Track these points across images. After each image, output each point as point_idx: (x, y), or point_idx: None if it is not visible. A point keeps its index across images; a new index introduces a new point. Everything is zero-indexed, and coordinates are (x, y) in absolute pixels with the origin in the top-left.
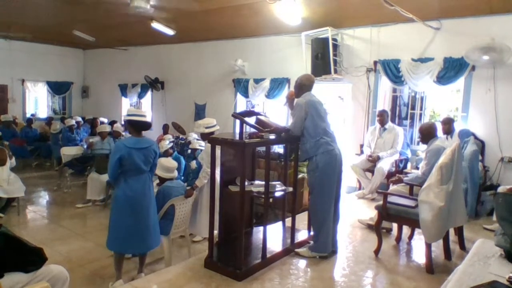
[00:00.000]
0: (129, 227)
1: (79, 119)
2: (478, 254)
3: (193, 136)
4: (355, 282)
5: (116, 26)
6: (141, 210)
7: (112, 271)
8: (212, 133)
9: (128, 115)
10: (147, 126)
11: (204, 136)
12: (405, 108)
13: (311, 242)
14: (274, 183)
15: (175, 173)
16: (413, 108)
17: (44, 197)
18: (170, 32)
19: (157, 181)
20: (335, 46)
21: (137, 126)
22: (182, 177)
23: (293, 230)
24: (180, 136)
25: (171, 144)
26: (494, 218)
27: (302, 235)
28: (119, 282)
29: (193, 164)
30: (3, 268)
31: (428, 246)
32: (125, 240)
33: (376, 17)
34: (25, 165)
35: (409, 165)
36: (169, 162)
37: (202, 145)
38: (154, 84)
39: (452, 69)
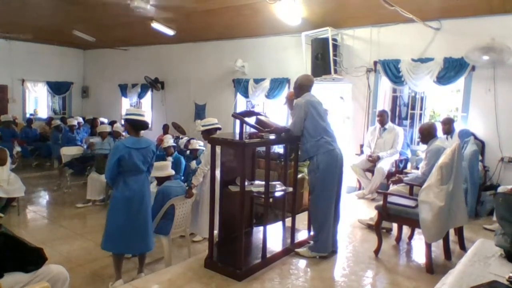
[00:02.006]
0: (127, 228)
1: (80, 119)
2: (478, 254)
3: (184, 139)
4: (355, 282)
5: (116, 26)
6: (140, 211)
7: (112, 271)
8: (211, 131)
9: (127, 114)
10: (145, 125)
11: (204, 135)
12: (405, 108)
13: (311, 242)
14: (274, 183)
15: (171, 171)
16: (413, 108)
17: (44, 197)
18: (170, 32)
19: (155, 181)
20: (335, 46)
21: (135, 126)
22: (182, 177)
23: (293, 230)
24: (180, 136)
25: (174, 142)
26: (494, 218)
27: (302, 235)
28: (119, 282)
29: (193, 164)
30: (3, 268)
31: (428, 246)
32: (122, 241)
33: (376, 17)
34: (25, 165)
35: (409, 165)
36: (159, 162)
37: (201, 144)
38: (154, 84)
39: (452, 69)
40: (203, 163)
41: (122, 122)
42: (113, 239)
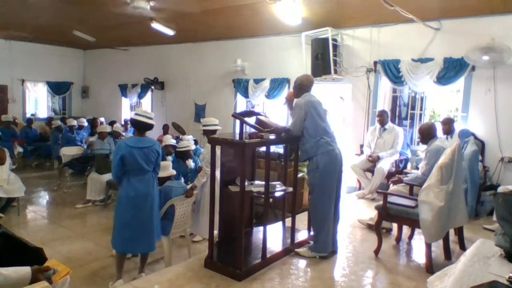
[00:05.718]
0: (132, 227)
1: (85, 123)
2: (478, 254)
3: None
4: (355, 282)
5: (116, 26)
6: (144, 210)
7: (112, 271)
8: (211, 131)
9: (135, 114)
10: (148, 127)
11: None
12: (405, 108)
13: (311, 242)
14: (274, 183)
15: (172, 171)
16: (413, 108)
17: (44, 197)
18: (170, 32)
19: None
20: (335, 47)
21: (139, 127)
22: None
23: (293, 230)
24: (180, 136)
25: (174, 141)
26: (494, 218)
27: (302, 235)
28: (119, 281)
29: (190, 163)
30: (2, 268)
31: (428, 246)
32: (129, 240)
33: (376, 17)
34: (25, 165)
35: (409, 165)
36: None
37: (186, 145)
38: (153, 84)
39: (452, 69)
40: (204, 164)
41: (123, 122)
42: (121, 239)
